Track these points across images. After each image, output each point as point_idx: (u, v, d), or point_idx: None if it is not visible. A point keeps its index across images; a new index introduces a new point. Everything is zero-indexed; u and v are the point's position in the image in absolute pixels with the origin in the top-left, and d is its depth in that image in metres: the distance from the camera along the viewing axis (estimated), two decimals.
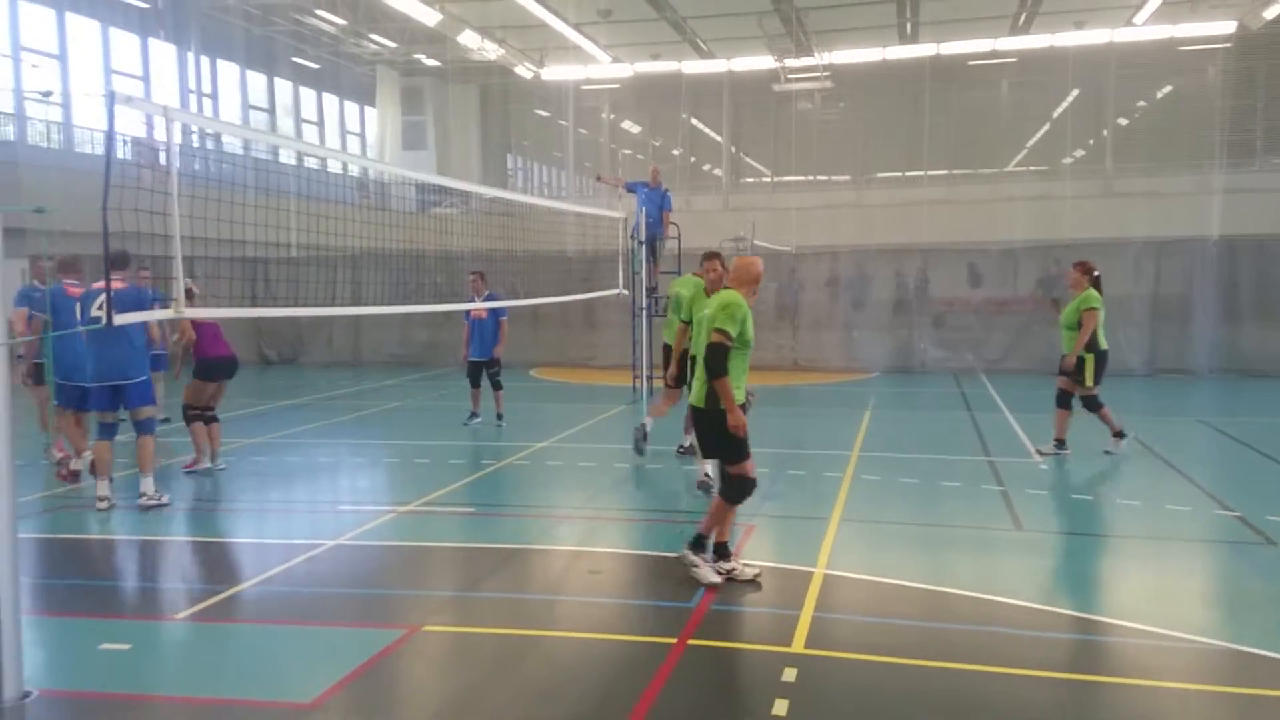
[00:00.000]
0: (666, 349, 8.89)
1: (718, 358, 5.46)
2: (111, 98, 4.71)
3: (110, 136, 4.79)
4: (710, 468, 7.43)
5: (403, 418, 12.83)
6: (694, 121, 32.74)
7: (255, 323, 19.52)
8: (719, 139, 32.58)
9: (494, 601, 5.56)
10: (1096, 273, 9.55)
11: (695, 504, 7.41)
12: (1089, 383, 9.37)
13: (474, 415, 11.68)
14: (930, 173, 29.11)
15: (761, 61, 28.54)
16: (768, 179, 32.21)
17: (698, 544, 5.72)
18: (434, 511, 7.59)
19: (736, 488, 5.66)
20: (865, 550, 6.58)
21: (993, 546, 6.74)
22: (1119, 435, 9.54)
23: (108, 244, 4.89)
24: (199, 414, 8.96)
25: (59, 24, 23.75)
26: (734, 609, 5.37)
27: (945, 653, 4.68)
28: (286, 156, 25.64)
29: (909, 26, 26.78)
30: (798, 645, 4.72)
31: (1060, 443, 9.48)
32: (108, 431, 7.65)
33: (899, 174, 30.36)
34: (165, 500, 7.62)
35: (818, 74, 28.10)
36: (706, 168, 34.13)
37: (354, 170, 29.54)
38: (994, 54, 28.05)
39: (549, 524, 7.33)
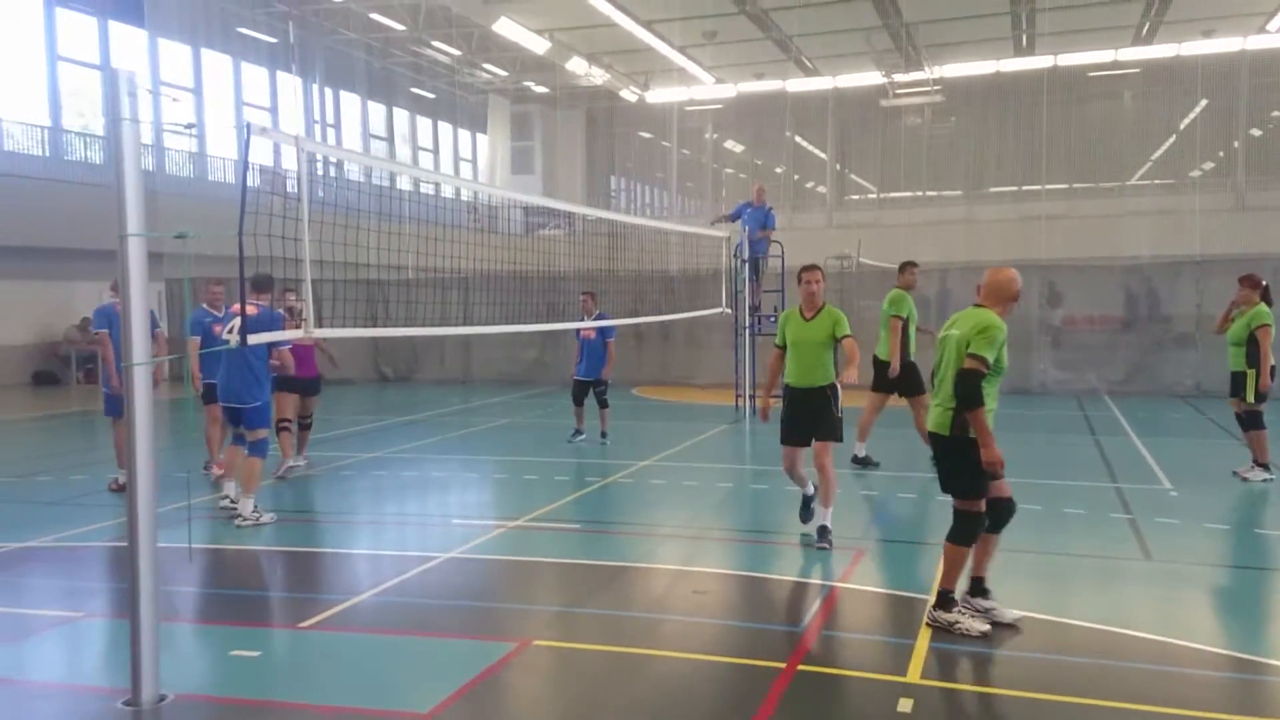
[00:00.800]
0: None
1: (973, 386, 4.88)
2: (248, 129, 4.98)
3: (245, 166, 5.06)
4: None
5: (511, 435, 13.06)
6: (798, 139, 32.49)
7: (374, 341, 20.23)
8: (823, 156, 32.22)
9: (601, 618, 5.58)
10: (1265, 283, 9.07)
11: (795, 524, 7.27)
12: (1250, 399, 8.88)
13: (578, 433, 11.81)
14: (1048, 187, 28.08)
15: (868, 77, 28.15)
16: (874, 195, 31.66)
17: (943, 602, 5.15)
18: (541, 527, 7.68)
19: (964, 526, 5.11)
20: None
21: (1119, 577, 6.40)
22: (1263, 466, 8.95)
23: (243, 269, 5.14)
24: (287, 425, 9.67)
25: (194, 60, 25.29)
26: (844, 635, 5.24)
27: (1067, 687, 4.46)
28: (404, 183, 26.63)
29: (1024, 39, 25.98)
30: (913, 675, 4.57)
31: (1264, 465, 8.96)
32: (240, 440, 8.05)
33: (1014, 188, 29.40)
34: (264, 520, 7.72)
35: (928, 88, 27.53)
36: (810, 185, 33.79)
37: (465, 195, 30.40)
38: (1116, 65, 26.95)
39: (653, 542, 7.33)
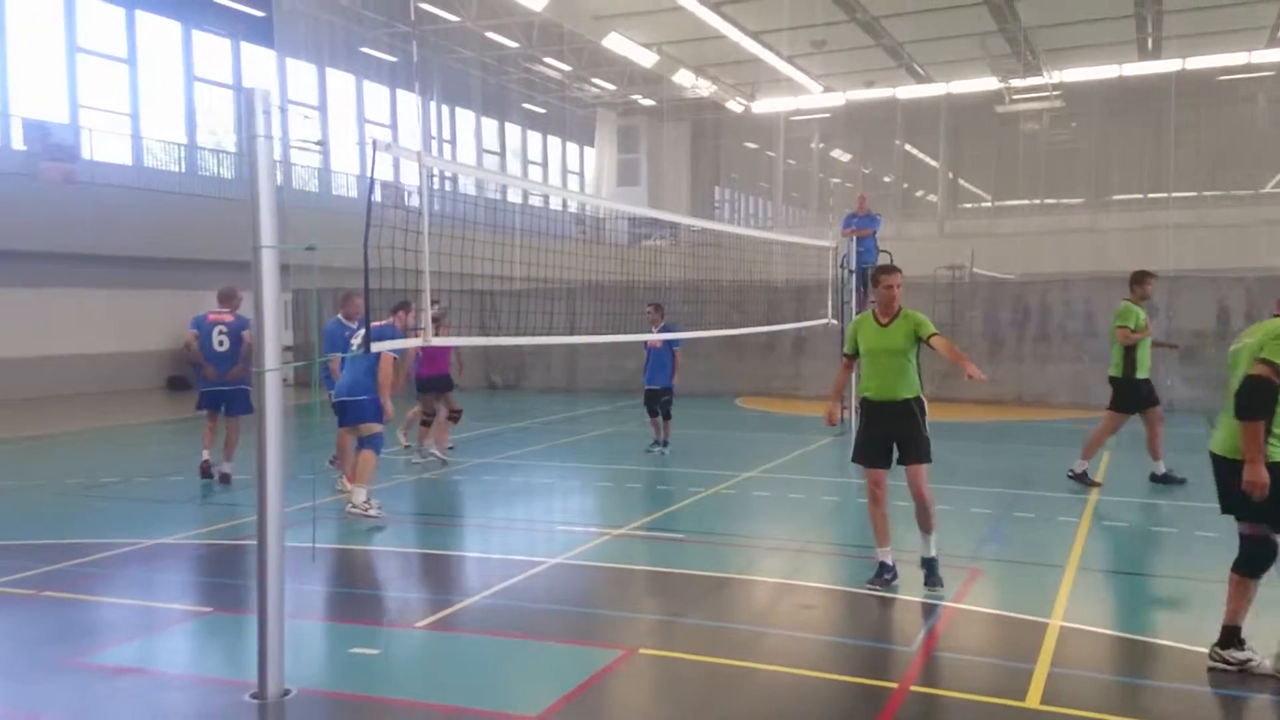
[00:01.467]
0: None
1: (1257, 395, 4.36)
2: (374, 145, 5.17)
3: (370, 181, 5.24)
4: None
5: (614, 443, 13.15)
6: (908, 147, 31.83)
7: (484, 349, 20.72)
8: (934, 163, 31.46)
9: (705, 629, 5.55)
10: None
11: (905, 540, 7.08)
12: None
13: (656, 443, 11.89)
14: (1175, 194, 26.67)
15: (983, 83, 27.38)
16: (988, 204, 30.72)
17: (1229, 639, 4.67)
18: (644, 536, 7.70)
19: (1249, 552, 4.59)
20: (1108, 602, 6.04)
21: (1257, 604, 5.98)
22: None
23: (368, 279, 5.33)
24: (427, 420, 10.79)
25: (319, 79, 26.45)
26: (959, 657, 5.07)
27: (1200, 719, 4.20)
28: (514, 195, 27.25)
29: (1149, 42, 24.83)
30: (1032, 700, 4.38)
31: None
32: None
33: (1139, 196, 28.08)
34: (373, 513, 7.98)
35: (1046, 94, 26.57)
36: (920, 194, 33.05)
37: (573, 206, 30.91)
38: (1249, 67, 25.48)
39: (758, 554, 7.25)
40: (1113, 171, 28.32)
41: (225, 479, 9.68)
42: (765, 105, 30.76)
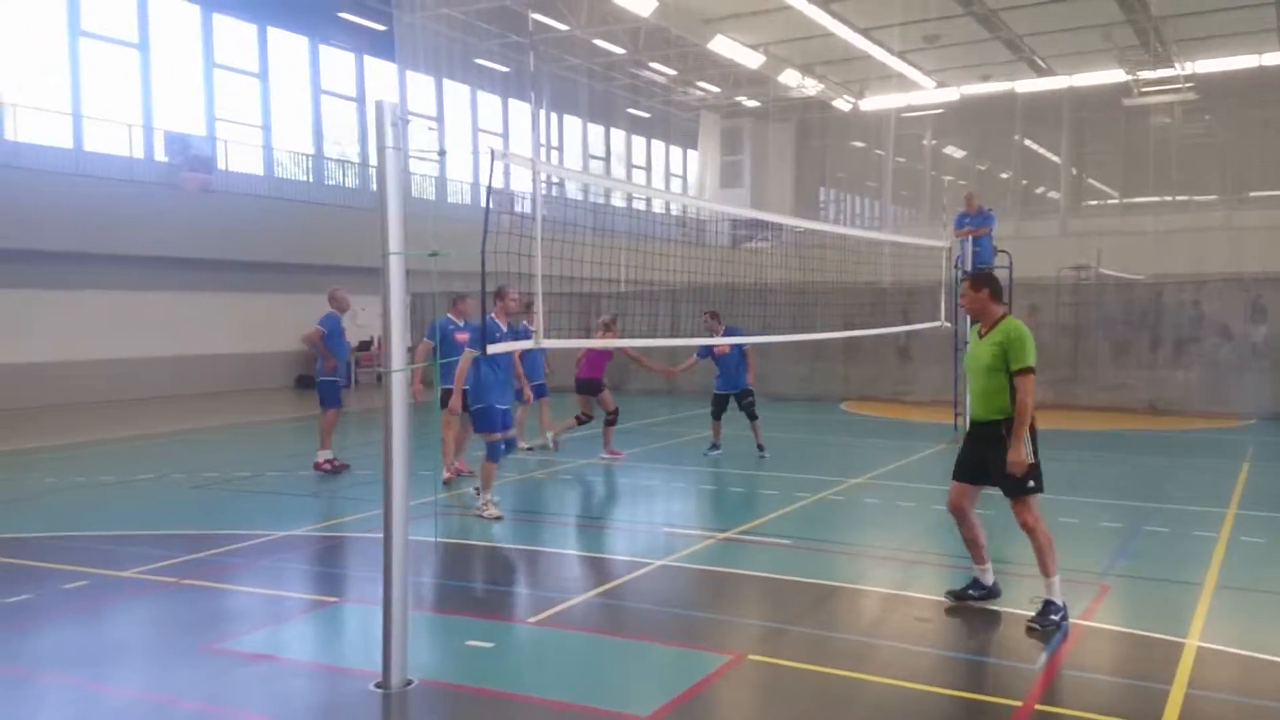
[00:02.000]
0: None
1: None
2: (492, 154, 5.32)
3: (489, 189, 5.39)
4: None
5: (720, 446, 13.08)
6: (1027, 142, 30.68)
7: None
8: (1056, 160, 30.24)
9: (815, 638, 5.47)
10: None
11: (1026, 554, 6.80)
12: None
13: (714, 447, 11.87)
14: None
15: (1109, 76, 26.18)
16: (1115, 201, 29.33)
17: None
18: (751, 541, 7.65)
19: None
20: (1250, 622, 5.69)
21: None
22: None
23: (485, 283, 5.49)
24: (585, 420, 11.63)
25: (436, 90, 27.28)
26: (1088, 676, 4.85)
27: None
28: (617, 199, 27.50)
29: None
30: None
31: None
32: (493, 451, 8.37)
33: (1278, 193, 26.31)
34: (488, 513, 8.15)
35: (1178, 85, 25.19)
36: (1040, 190, 31.82)
37: (675, 209, 30.99)
38: None
39: (868, 564, 7.12)
40: (1251, 166, 26.62)
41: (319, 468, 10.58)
42: (874, 102, 30.16)
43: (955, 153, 33.32)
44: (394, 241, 4.61)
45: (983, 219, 13.45)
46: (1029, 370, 5.47)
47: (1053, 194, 30.52)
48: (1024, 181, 30.72)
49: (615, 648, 5.27)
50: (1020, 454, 5.42)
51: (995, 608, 5.90)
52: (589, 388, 11.65)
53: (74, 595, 6.15)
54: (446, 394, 9.10)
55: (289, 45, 23.71)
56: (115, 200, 18.46)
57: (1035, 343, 5.63)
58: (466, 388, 8.64)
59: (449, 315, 10.15)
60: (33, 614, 5.81)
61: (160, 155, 20.27)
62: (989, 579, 5.89)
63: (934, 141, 32.39)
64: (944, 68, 27.65)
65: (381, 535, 4.67)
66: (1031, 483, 5.53)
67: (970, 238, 13.36)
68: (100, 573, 6.62)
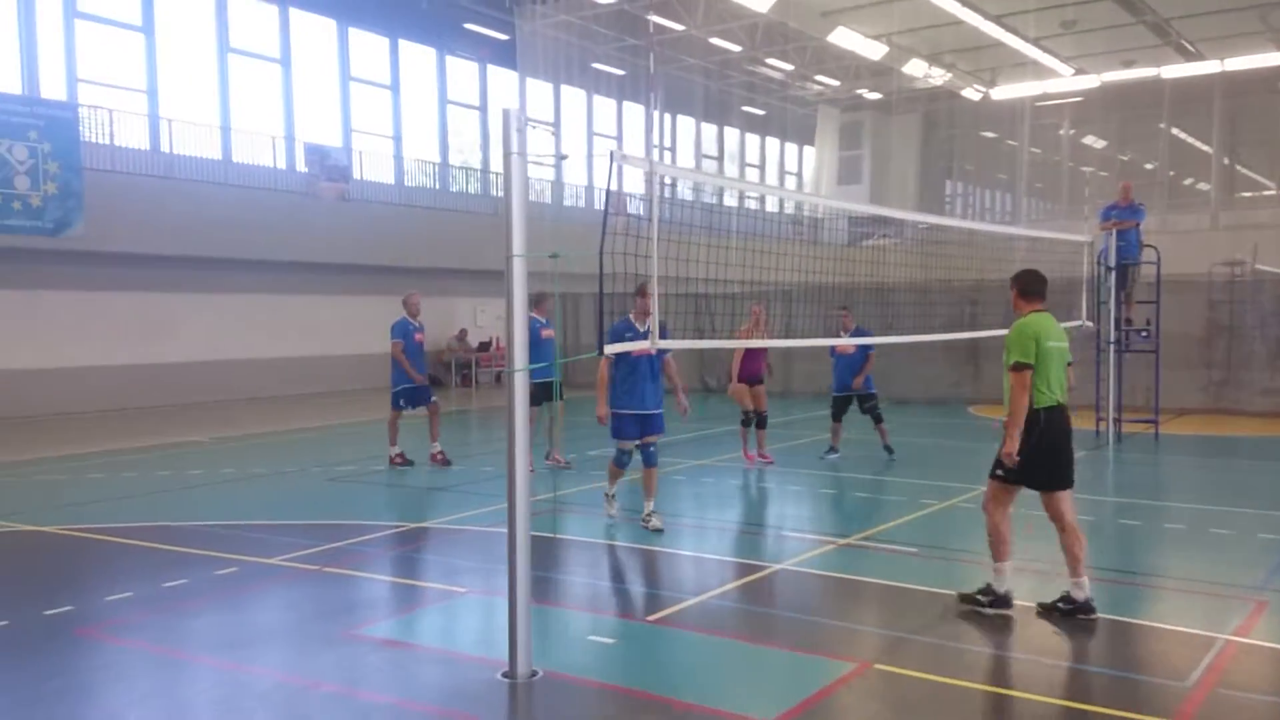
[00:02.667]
0: None
1: None
2: (612, 157, 5.37)
3: (608, 191, 5.45)
4: None
5: (822, 449, 12.81)
6: (1174, 131, 28.88)
7: (699, 352, 20.92)
8: (1207, 149, 28.37)
9: (945, 649, 5.29)
10: None
11: (1175, 566, 6.42)
12: None
13: (832, 450, 11.59)
14: None
15: (1265, 59, 24.41)
16: (1271, 191, 27.30)
17: None
18: (874, 547, 7.46)
19: None
20: None
21: None
22: None
23: (602, 284, 5.54)
24: (747, 419, 11.09)
25: (555, 96, 27.78)
26: (1242, 695, 4.52)
27: None
28: (729, 199, 27.35)
29: None
30: None
31: None
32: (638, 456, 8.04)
33: None
34: (652, 525, 7.84)
35: None
36: (1189, 181, 29.95)
37: (790, 207, 30.61)
38: None
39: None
40: None
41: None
42: (1006, 91, 28.99)
43: (1095, 143, 31.67)
44: (517, 244, 4.71)
45: (1133, 212, 12.75)
46: (1014, 367, 5.62)
47: (1202, 185, 28.65)
48: (1171, 172, 28.93)
49: (734, 650, 5.23)
50: (1010, 447, 5.60)
51: (1142, 621, 5.57)
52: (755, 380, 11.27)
53: (225, 581, 6.55)
54: (536, 389, 9.25)
55: (418, 57, 24.61)
56: (260, 209, 19.57)
57: (1068, 339, 5.73)
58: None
59: (534, 314, 10.44)
60: (188, 598, 6.22)
61: (301, 166, 21.37)
62: (1079, 593, 5.60)
63: (1072, 131, 30.87)
64: (1083, 54, 26.34)
65: (505, 529, 4.78)
66: (999, 470, 5.75)
67: (1115, 231, 12.68)
68: (249, 559, 7.02)
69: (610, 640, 5.35)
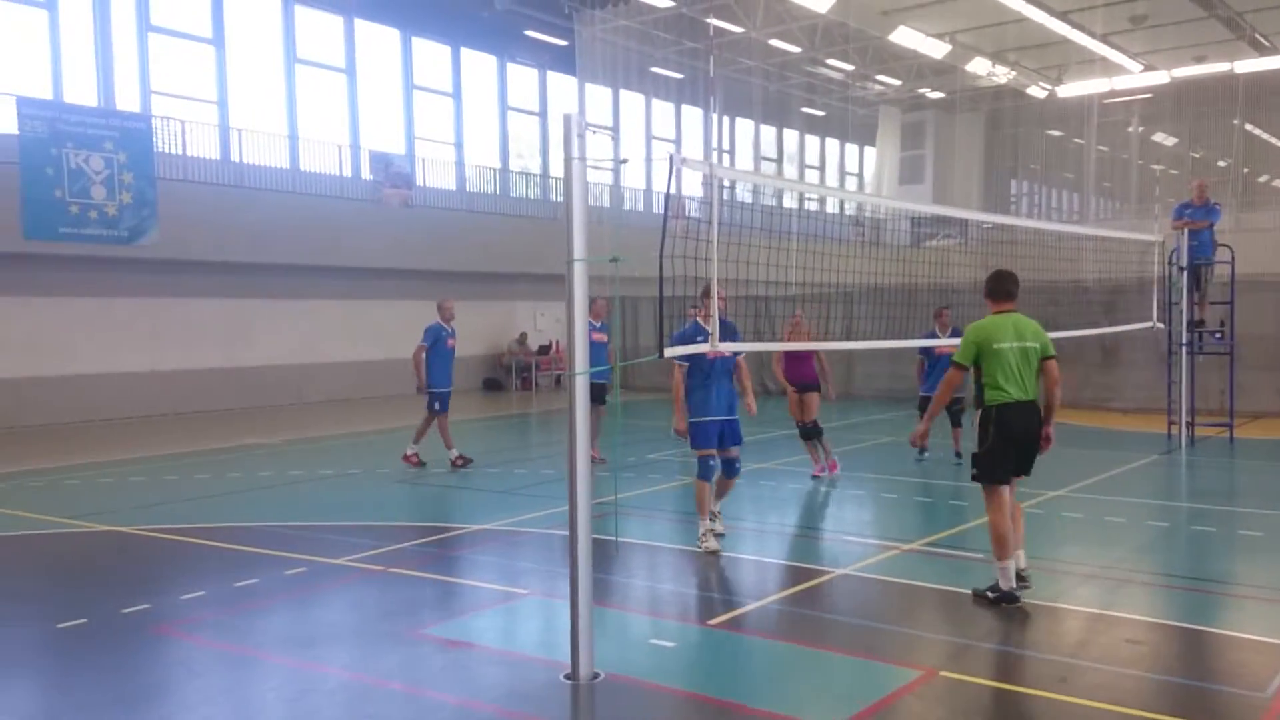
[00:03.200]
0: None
1: None
2: (670, 160, 5.40)
3: (667, 194, 5.47)
4: None
5: (896, 453, 12.67)
6: (1249, 127, 27.90)
7: (758, 355, 20.81)
8: None
9: (1013, 657, 5.19)
10: None
11: (1251, 574, 6.20)
12: None
13: (924, 451, 11.36)
14: None
15: None
16: None
17: None
18: (938, 553, 7.35)
19: None
20: None
21: None
22: None
23: (662, 287, 5.56)
24: (803, 429, 10.59)
25: (613, 100, 27.91)
26: None
27: None
28: (788, 200, 27.16)
29: None
30: None
31: None
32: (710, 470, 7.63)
33: None
34: (704, 546, 7.39)
35: None
36: (1264, 179, 28.91)
37: (850, 208, 30.26)
38: None
39: (1071, 581, 6.66)
40: None
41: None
42: (1073, 89, 28.32)
43: (1165, 140, 30.76)
44: (578, 248, 4.76)
45: (1207, 212, 12.36)
46: (950, 364, 6.34)
47: (1278, 182, 27.62)
48: (1245, 169, 27.95)
49: (797, 655, 5.20)
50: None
51: (1218, 630, 5.40)
52: (802, 388, 10.71)
53: (295, 580, 6.72)
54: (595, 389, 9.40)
55: (479, 64, 24.94)
56: (327, 216, 20.03)
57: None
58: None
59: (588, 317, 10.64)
60: (259, 597, 6.39)
61: (366, 173, 21.81)
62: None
63: (1141, 128, 30.03)
64: (1153, 49, 25.61)
65: (566, 532, 4.82)
66: (972, 472, 6.19)
67: (1187, 230, 12.31)
68: (318, 560, 7.19)
69: (671, 644, 5.36)
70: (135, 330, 18.03)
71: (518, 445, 14.37)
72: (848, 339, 12.61)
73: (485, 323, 24.12)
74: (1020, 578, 5.97)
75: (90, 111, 16.97)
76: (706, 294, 7.46)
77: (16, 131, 15.56)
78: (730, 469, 7.71)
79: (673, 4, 23.56)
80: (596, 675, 4.73)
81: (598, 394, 10.61)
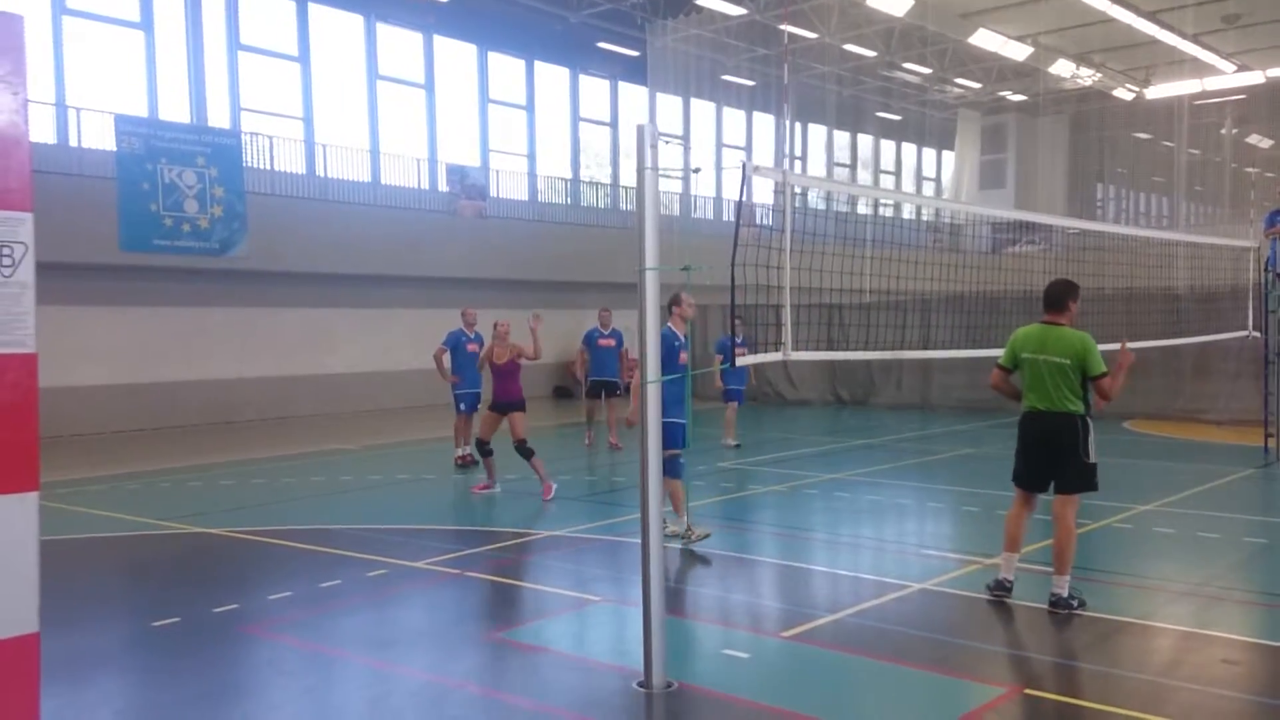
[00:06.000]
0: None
1: None
2: (743, 169, 5.39)
3: (739, 203, 5.46)
4: None
5: (975, 465, 12.36)
6: None
7: (831, 364, 20.57)
8: None
9: (1101, 676, 5.01)
10: None
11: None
12: None
13: None
14: None
15: None
16: None
17: None
18: (1021, 568, 7.12)
19: None
20: None
21: None
22: None
23: (734, 296, 5.55)
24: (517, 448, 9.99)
25: (684, 109, 27.97)
26: None
27: None
28: (862, 207, 26.80)
29: None
30: None
31: None
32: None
33: None
34: (694, 535, 7.65)
35: None
36: None
37: (926, 214, 29.72)
38: None
39: (1162, 599, 6.42)
40: None
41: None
42: (1162, 90, 27.36)
43: (1261, 142, 29.51)
44: (650, 257, 4.78)
45: None
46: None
47: None
48: None
49: (874, 670, 5.11)
50: None
51: None
52: (503, 407, 10.13)
53: (376, 582, 6.88)
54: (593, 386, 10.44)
55: (552, 77, 25.27)
56: (406, 227, 20.51)
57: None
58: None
59: (596, 325, 12.02)
60: (342, 598, 6.56)
61: (443, 185, 22.27)
62: (1060, 590, 6.05)
63: (1235, 130, 28.85)
64: (1246, 49, 24.61)
65: (637, 539, 4.84)
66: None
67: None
68: (397, 563, 7.35)
69: (745, 654, 5.32)
70: (225, 339, 18.71)
71: (587, 453, 14.44)
72: (925, 348, 12.38)
73: (556, 331, 24.34)
74: (1063, 602, 6.01)
75: (183, 128, 17.71)
76: (674, 302, 7.82)
77: (114, 148, 16.33)
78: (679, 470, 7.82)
79: (744, 11, 23.50)
80: (670, 684, 4.72)
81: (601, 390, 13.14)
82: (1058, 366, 6.02)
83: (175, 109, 18.58)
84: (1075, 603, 5.99)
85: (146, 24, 18.15)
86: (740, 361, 7.19)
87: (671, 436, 7.33)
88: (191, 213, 17.20)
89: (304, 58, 20.43)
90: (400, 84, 22.16)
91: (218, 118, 19.07)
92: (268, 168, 19.26)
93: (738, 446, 13.35)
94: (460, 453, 12.21)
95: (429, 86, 22.56)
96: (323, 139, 20.55)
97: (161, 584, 7.25)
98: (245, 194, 17.90)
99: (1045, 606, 6.07)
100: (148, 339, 17.72)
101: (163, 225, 16.79)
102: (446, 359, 12.21)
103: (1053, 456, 6.08)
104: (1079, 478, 6.04)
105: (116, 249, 16.29)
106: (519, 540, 8.29)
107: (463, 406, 12.16)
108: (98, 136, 16.93)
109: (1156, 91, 27.60)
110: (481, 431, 10.19)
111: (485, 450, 10.14)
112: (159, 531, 8.82)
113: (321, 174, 20.31)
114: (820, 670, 5.16)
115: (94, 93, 17.53)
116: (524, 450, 9.92)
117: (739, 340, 13.16)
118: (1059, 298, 6.22)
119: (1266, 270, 12.15)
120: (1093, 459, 6.05)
